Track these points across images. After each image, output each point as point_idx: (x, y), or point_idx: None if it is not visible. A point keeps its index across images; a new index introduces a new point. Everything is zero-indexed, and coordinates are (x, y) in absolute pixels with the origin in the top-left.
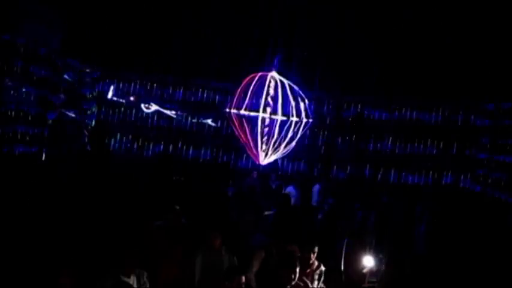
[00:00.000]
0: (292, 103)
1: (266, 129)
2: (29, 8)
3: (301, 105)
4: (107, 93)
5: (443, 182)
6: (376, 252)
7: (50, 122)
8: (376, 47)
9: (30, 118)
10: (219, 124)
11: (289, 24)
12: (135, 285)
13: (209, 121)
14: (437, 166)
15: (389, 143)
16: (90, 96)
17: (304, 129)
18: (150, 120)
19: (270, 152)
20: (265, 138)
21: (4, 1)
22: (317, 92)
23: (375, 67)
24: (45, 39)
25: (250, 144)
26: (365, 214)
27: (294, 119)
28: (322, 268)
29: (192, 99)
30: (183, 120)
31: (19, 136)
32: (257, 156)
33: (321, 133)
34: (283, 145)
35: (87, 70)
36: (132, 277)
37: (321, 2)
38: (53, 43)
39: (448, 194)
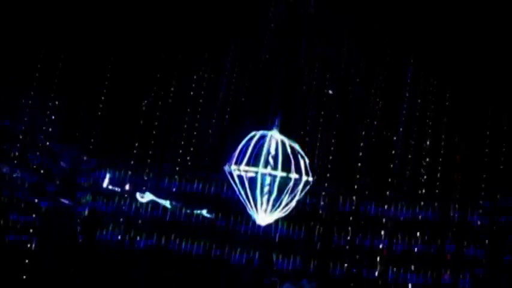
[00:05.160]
0: (293, 161)
1: (266, 188)
2: (28, 96)
3: (302, 163)
4: (103, 182)
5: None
6: None
7: (43, 210)
8: (372, 139)
9: (22, 206)
10: (213, 216)
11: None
12: None
13: (204, 212)
14: (435, 264)
15: (386, 239)
16: (85, 184)
17: (305, 189)
18: (143, 211)
19: (269, 211)
20: (265, 198)
21: (5, 89)
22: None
23: (370, 161)
24: (44, 126)
25: (250, 203)
26: None
27: (294, 175)
28: None
29: (188, 189)
30: (178, 211)
31: (10, 224)
32: (257, 215)
33: (316, 228)
34: (283, 203)
35: (84, 158)
36: None
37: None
38: (51, 131)
39: None
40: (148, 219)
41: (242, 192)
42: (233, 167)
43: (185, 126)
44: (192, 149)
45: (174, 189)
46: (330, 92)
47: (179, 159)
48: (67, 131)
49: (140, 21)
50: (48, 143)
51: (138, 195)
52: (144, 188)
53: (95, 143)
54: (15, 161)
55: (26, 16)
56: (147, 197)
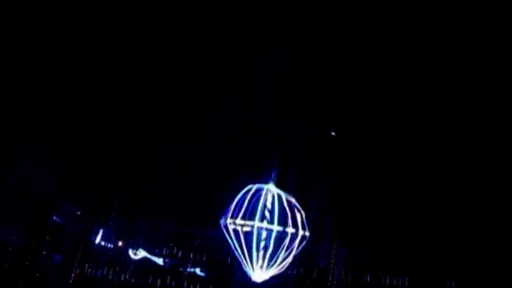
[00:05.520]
0: (289, 215)
1: (262, 243)
2: (26, 150)
3: (298, 217)
4: (95, 238)
5: None
6: None
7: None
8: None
9: (11, 260)
10: (207, 274)
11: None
12: None
13: (197, 270)
14: None
15: None
16: (78, 240)
17: (302, 244)
18: (136, 268)
19: (265, 267)
20: (261, 253)
21: (3, 143)
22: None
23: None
24: (40, 180)
25: (246, 258)
26: None
27: (291, 230)
28: None
29: (181, 247)
30: (172, 268)
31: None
32: (252, 272)
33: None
34: (279, 259)
35: (78, 213)
36: None
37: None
38: (47, 184)
39: None
40: (140, 276)
41: (237, 247)
42: (229, 220)
43: (180, 182)
44: (186, 205)
45: (167, 247)
46: (333, 133)
47: (173, 216)
48: (63, 187)
49: (133, 72)
50: (42, 198)
51: (131, 252)
52: (137, 244)
53: (89, 199)
54: (7, 216)
55: (27, 66)
56: (140, 253)
